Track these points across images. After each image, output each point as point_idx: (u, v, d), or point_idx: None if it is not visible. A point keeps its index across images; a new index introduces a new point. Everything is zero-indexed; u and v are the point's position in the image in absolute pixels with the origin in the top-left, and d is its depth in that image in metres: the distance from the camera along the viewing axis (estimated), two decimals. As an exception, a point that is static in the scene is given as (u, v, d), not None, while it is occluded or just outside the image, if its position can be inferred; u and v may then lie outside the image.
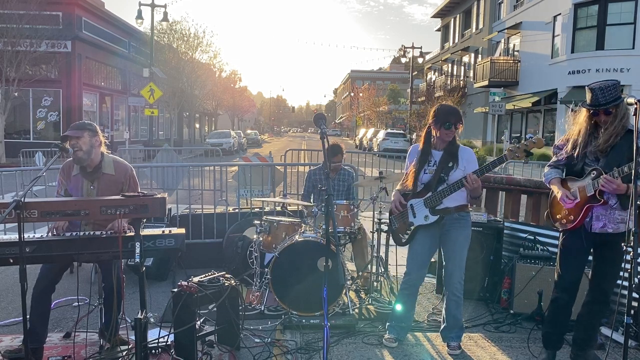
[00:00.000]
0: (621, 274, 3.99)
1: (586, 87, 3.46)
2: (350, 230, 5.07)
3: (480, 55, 32.10)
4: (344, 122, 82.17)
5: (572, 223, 3.46)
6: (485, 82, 27.91)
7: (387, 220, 5.14)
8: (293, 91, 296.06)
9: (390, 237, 4.31)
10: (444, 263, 4.04)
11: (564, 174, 3.65)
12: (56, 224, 3.46)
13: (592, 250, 3.59)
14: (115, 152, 4.60)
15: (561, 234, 3.64)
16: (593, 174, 3.39)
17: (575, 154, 3.51)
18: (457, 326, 3.95)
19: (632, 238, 2.90)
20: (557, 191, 3.54)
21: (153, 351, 3.62)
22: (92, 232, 3.38)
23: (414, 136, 32.34)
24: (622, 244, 3.50)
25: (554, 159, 3.70)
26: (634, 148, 3.01)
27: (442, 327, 4.03)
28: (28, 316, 3.50)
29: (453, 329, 3.95)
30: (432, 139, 3.87)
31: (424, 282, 4.19)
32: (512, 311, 4.59)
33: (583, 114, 3.49)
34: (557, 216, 3.60)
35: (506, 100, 26.22)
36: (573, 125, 3.60)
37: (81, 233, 3.26)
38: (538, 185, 5.50)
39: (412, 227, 3.91)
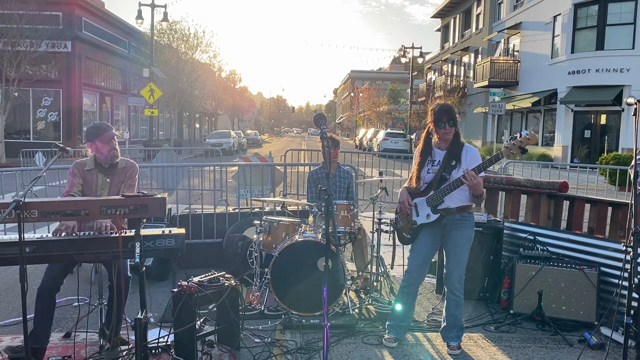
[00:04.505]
0: (621, 273, 4.00)
1: None
2: (350, 230, 5.07)
3: (480, 56, 32.10)
4: (344, 122, 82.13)
5: None
6: (485, 82, 27.91)
7: (387, 221, 5.14)
8: (293, 91, 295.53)
9: (395, 237, 4.32)
10: (444, 263, 4.05)
11: None
12: (64, 225, 3.40)
13: None
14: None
15: None
16: None
17: None
18: (456, 326, 3.95)
19: (631, 238, 2.90)
20: None
21: (153, 351, 3.62)
22: (92, 232, 3.38)
23: (413, 136, 32.33)
24: (622, 244, 3.47)
25: None
26: (634, 149, 2.98)
27: (442, 326, 4.04)
28: (33, 316, 3.51)
29: (453, 328, 3.95)
30: (431, 139, 3.92)
31: (424, 281, 4.20)
32: (512, 311, 4.59)
33: None
34: None
35: (506, 100, 26.22)
36: None
37: (81, 233, 3.26)
38: (538, 185, 5.50)
39: (415, 226, 3.94)
